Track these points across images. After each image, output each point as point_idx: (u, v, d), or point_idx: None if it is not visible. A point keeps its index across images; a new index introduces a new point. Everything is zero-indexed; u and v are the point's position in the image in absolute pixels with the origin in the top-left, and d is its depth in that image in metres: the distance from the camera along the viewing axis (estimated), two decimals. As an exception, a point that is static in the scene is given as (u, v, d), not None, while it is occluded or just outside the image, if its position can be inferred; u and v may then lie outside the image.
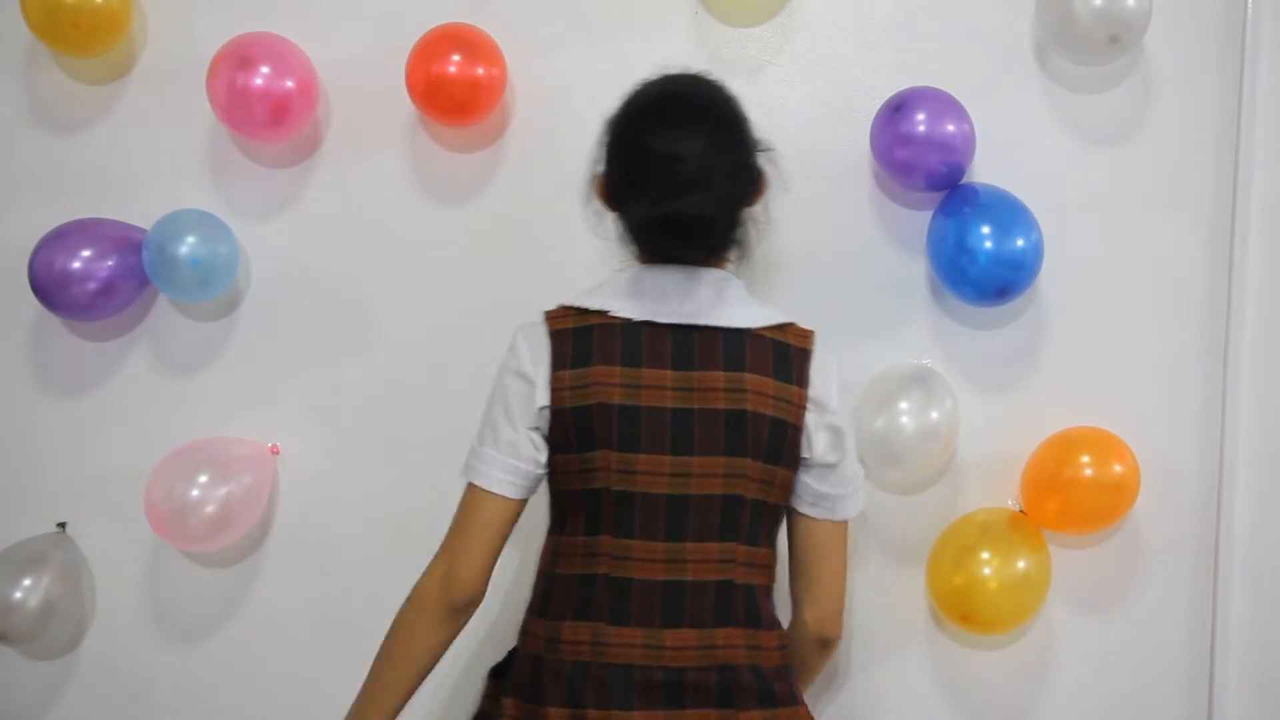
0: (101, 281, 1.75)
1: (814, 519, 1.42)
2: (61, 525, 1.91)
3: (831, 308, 1.80)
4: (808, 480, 1.40)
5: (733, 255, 1.43)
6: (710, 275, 1.37)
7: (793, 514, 1.43)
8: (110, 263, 1.76)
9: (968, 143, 1.67)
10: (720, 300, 1.36)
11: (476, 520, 1.35)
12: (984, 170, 1.76)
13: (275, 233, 1.87)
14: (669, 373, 1.32)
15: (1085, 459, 1.67)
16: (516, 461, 1.34)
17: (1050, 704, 1.83)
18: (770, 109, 1.80)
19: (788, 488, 1.39)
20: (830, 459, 1.39)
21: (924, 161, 1.66)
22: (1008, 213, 1.66)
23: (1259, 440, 1.80)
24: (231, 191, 1.87)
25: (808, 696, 1.45)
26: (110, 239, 1.77)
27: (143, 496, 1.76)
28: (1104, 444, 1.69)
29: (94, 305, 1.77)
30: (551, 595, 1.36)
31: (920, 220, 1.77)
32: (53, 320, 1.89)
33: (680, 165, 1.30)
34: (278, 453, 1.88)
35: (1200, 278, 1.79)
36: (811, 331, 1.41)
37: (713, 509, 1.33)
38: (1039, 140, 1.79)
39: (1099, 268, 1.79)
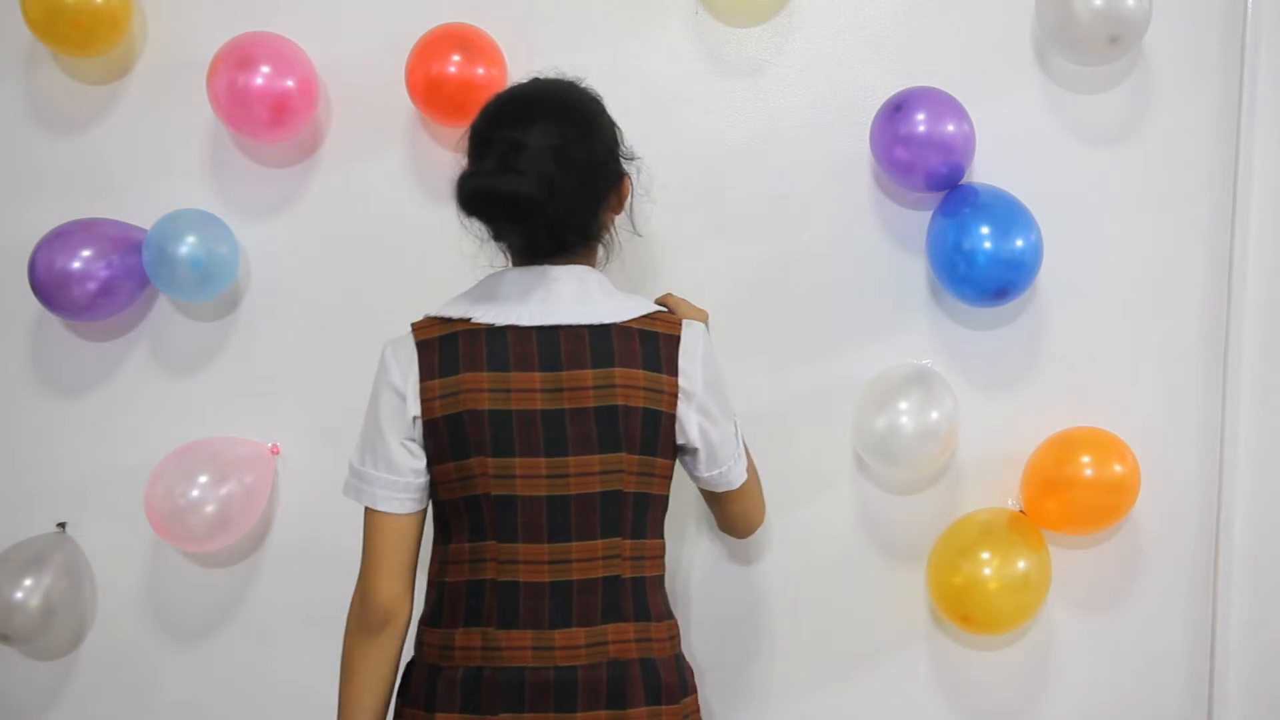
0: (101, 281, 1.75)
1: (713, 490, 1.49)
2: (61, 525, 1.91)
3: (831, 308, 1.81)
4: (691, 461, 1.44)
5: (594, 253, 1.43)
6: (571, 272, 1.36)
7: (696, 482, 1.50)
8: (110, 263, 1.76)
9: (968, 143, 1.67)
10: (584, 296, 1.35)
11: (376, 539, 1.37)
12: (984, 170, 1.76)
13: (275, 233, 1.87)
14: (537, 374, 1.32)
15: (1085, 459, 1.67)
16: (394, 476, 1.35)
17: (1050, 704, 1.83)
18: (770, 109, 1.81)
19: (670, 475, 1.41)
20: (703, 443, 1.40)
21: (924, 161, 1.65)
22: (1007, 213, 1.66)
23: (1259, 440, 1.80)
24: (231, 191, 1.87)
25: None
26: (110, 239, 1.77)
27: (143, 496, 1.76)
28: (1104, 444, 1.69)
29: (94, 305, 1.77)
30: (443, 604, 1.37)
31: (920, 220, 1.77)
32: (53, 320, 1.89)
33: (516, 152, 1.29)
34: (278, 453, 1.88)
35: (1200, 278, 1.79)
36: (680, 318, 1.41)
37: (593, 506, 1.34)
38: (1039, 140, 1.78)
39: (1099, 268, 1.79)
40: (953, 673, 1.83)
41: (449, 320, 1.36)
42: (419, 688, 1.36)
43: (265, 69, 1.72)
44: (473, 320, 1.34)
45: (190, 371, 1.89)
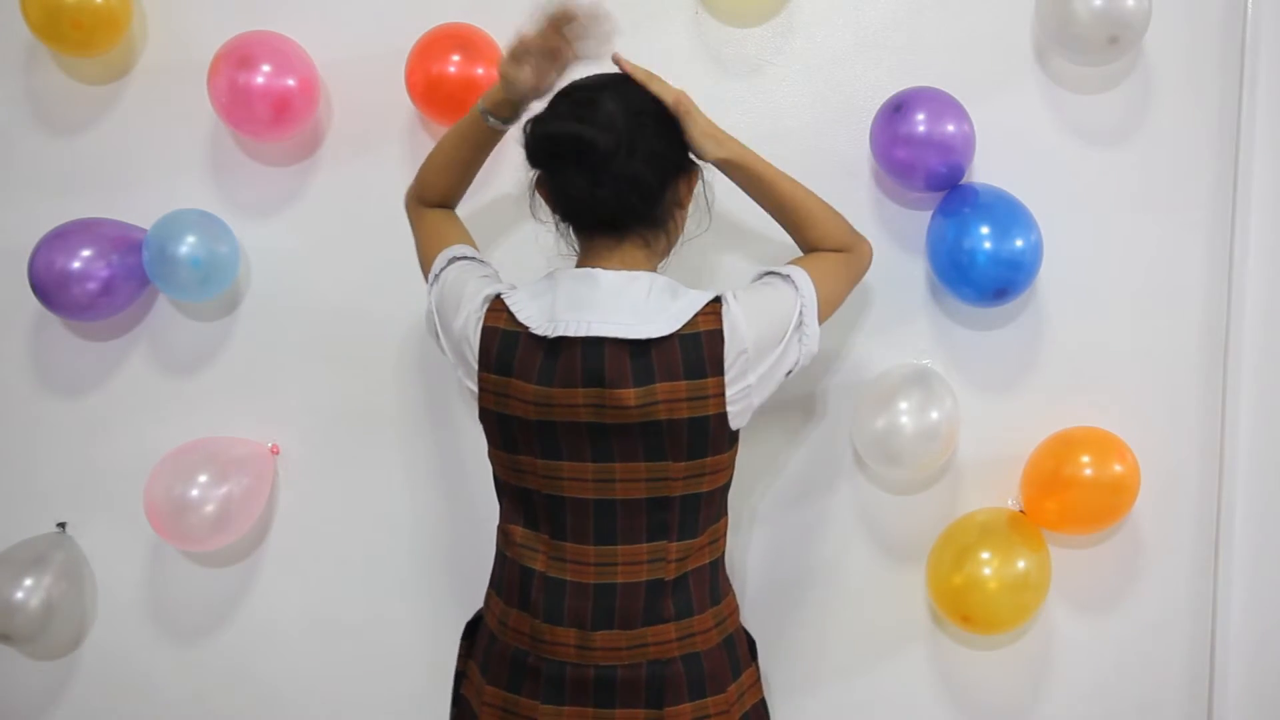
0: (101, 281, 1.75)
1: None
2: (61, 525, 1.91)
3: (831, 308, 1.80)
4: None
5: (658, 243, 1.40)
6: (621, 278, 1.34)
7: None
8: (110, 263, 1.76)
9: (967, 143, 1.67)
10: (634, 306, 1.32)
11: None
12: (984, 170, 1.76)
13: (275, 233, 1.87)
14: (580, 390, 1.31)
15: (1085, 459, 1.67)
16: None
17: (1050, 704, 1.83)
18: (770, 109, 1.81)
19: (726, 466, 1.39)
20: (770, 388, 1.37)
21: (924, 161, 1.65)
22: (1007, 213, 1.66)
23: (1259, 440, 1.80)
24: (231, 191, 1.87)
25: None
26: (110, 239, 1.78)
27: (143, 496, 1.76)
28: (1104, 444, 1.69)
29: (94, 305, 1.77)
30: (502, 575, 1.43)
31: (920, 220, 1.77)
32: (53, 320, 1.90)
33: (591, 105, 1.30)
34: (278, 453, 1.88)
35: (1200, 278, 1.79)
36: (718, 300, 1.35)
37: (639, 511, 1.34)
38: (1039, 140, 1.78)
39: (1099, 268, 1.79)
40: (953, 673, 1.83)
41: (514, 318, 1.35)
42: (481, 645, 1.44)
43: (265, 68, 1.72)
44: (531, 330, 1.33)
45: (190, 371, 1.89)
